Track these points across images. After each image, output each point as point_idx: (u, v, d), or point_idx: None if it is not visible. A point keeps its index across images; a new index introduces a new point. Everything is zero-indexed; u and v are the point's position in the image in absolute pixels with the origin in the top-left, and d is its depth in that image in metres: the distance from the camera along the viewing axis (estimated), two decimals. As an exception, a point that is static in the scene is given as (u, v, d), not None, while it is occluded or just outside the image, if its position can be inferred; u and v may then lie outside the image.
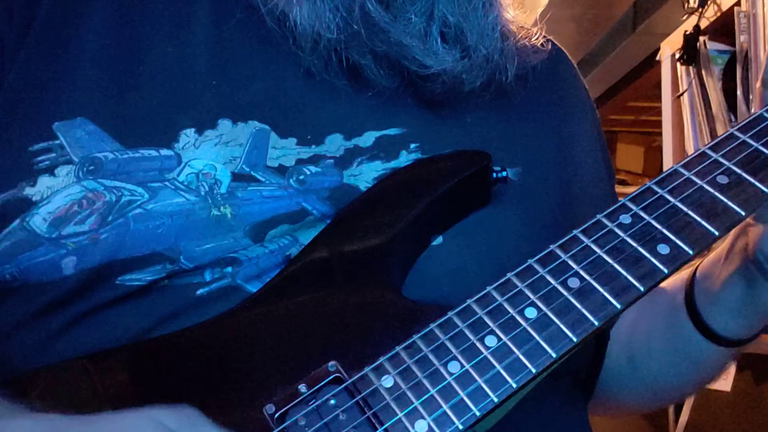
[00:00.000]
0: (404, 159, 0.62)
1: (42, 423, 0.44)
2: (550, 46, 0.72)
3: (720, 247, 0.62)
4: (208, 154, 0.59)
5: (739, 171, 0.52)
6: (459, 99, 0.66)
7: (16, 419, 0.45)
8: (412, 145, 0.63)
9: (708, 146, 0.54)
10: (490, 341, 0.48)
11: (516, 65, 0.67)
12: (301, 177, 0.60)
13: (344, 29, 0.60)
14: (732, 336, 0.63)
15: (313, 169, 0.60)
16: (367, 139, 0.63)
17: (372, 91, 0.63)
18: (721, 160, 0.53)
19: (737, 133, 0.54)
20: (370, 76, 0.63)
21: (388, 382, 0.47)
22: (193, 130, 0.59)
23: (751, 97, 1.67)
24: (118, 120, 0.59)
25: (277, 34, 0.62)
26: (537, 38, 0.71)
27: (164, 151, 0.58)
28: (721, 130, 1.76)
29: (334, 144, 0.62)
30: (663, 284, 0.67)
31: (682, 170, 0.53)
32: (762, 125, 0.54)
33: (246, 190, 0.58)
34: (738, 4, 1.72)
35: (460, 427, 0.45)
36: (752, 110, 0.57)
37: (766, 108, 0.55)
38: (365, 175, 0.61)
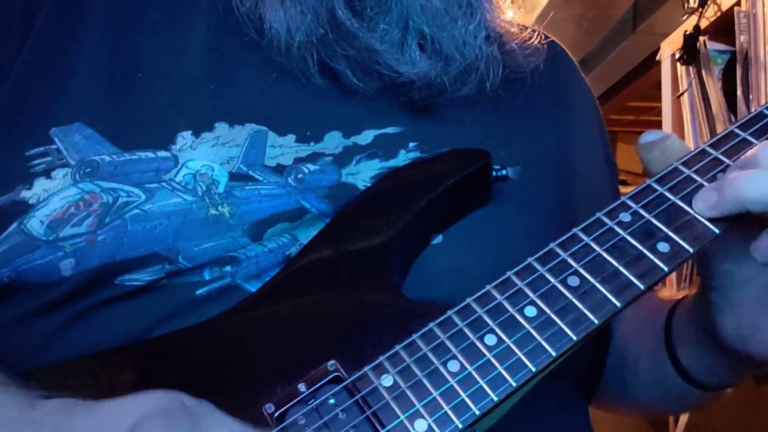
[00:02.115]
0: (403, 158, 0.62)
1: (64, 400, 0.44)
2: (546, 47, 0.71)
3: (693, 295, 0.63)
4: (205, 155, 0.59)
5: None
6: (455, 100, 0.66)
7: (35, 399, 0.45)
8: (411, 144, 0.63)
9: (708, 144, 0.54)
10: (490, 340, 0.48)
11: (510, 68, 0.68)
12: (300, 175, 0.60)
13: (314, 33, 0.60)
14: (703, 379, 0.63)
15: (311, 167, 0.60)
16: (366, 137, 0.63)
17: (357, 95, 0.63)
18: (721, 157, 0.53)
19: (737, 131, 0.54)
20: (346, 80, 0.63)
21: (387, 381, 0.47)
22: (189, 132, 0.59)
23: (751, 97, 1.66)
24: (115, 124, 0.59)
25: (256, 37, 0.63)
26: (535, 39, 0.71)
27: (161, 153, 0.58)
28: (721, 130, 1.75)
29: (333, 141, 0.62)
30: (650, 311, 0.67)
31: (682, 168, 0.53)
32: (762, 122, 0.54)
33: (244, 190, 0.58)
34: (738, 4, 1.72)
35: (460, 426, 0.45)
36: (752, 111, 0.57)
37: (766, 105, 0.55)
38: (363, 173, 0.61)
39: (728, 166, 0.52)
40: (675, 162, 0.54)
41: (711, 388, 0.64)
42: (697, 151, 0.54)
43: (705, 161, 0.53)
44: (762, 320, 0.53)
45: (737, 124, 0.54)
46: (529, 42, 0.70)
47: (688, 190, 0.52)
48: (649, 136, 0.55)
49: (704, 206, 0.50)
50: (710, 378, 0.63)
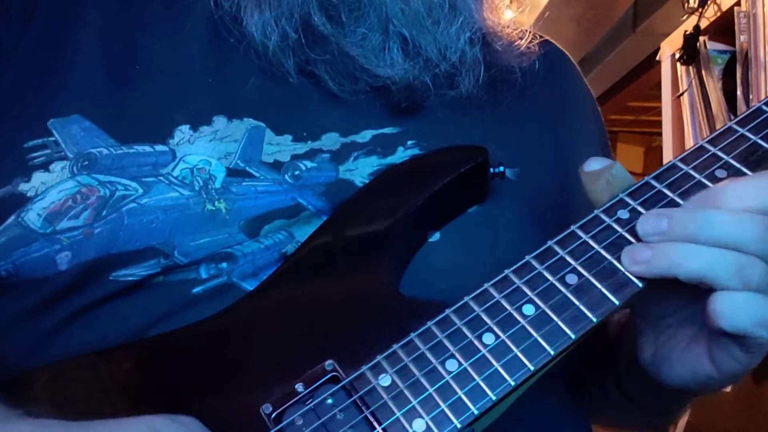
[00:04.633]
0: (401, 155, 0.62)
1: (40, 429, 0.44)
2: (542, 48, 0.71)
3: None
4: (202, 149, 0.58)
5: (737, 165, 0.51)
6: (451, 102, 0.65)
7: (14, 424, 0.45)
8: (410, 142, 0.63)
9: (706, 140, 0.54)
10: (488, 339, 0.47)
11: (504, 68, 0.67)
12: (297, 172, 0.60)
13: (289, 36, 0.60)
14: (638, 399, 0.64)
15: (308, 164, 0.60)
16: (364, 136, 0.63)
17: (353, 97, 0.63)
18: (720, 153, 0.53)
19: (736, 127, 0.54)
20: (324, 84, 0.62)
21: (385, 380, 0.47)
22: (188, 126, 0.59)
23: (751, 96, 1.66)
24: (113, 117, 0.59)
25: (234, 40, 0.63)
26: (527, 39, 0.70)
27: (159, 147, 0.58)
28: (721, 131, 1.75)
29: (331, 140, 0.62)
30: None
31: (680, 164, 0.53)
32: (760, 118, 0.53)
33: (241, 186, 0.58)
34: (738, 4, 1.72)
35: (458, 425, 0.45)
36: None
37: (764, 101, 0.54)
38: (361, 170, 0.61)
39: (726, 162, 0.52)
40: (673, 159, 0.53)
41: (651, 412, 0.65)
42: (695, 147, 0.54)
43: (703, 158, 0.53)
44: (674, 350, 0.53)
45: (736, 120, 0.54)
46: (522, 41, 0.70)
47: (686, 186, 0.51)
48: (593, 165, 0.54)
49: (630, 261, 0.48)
50: (644, 401, 0.63)
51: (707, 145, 0.53)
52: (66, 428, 0.44)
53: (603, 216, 0.52)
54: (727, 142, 0.53)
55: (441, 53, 0.63)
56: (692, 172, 0.52)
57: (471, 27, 0.65)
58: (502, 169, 0.62)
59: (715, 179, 0.51)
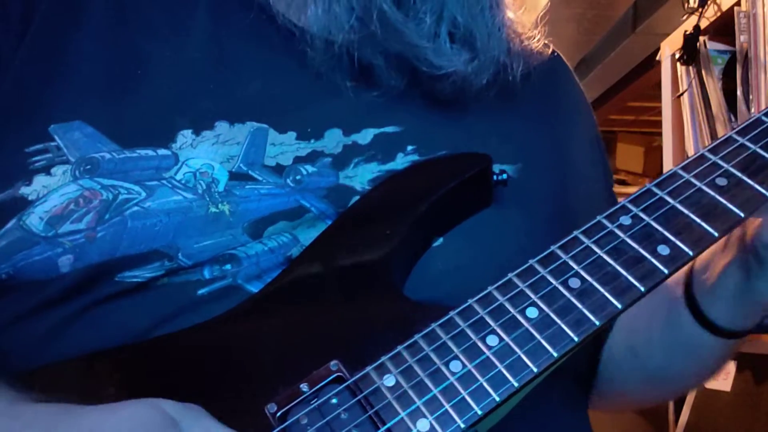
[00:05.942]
0: (401, 161, 0.63)
1: (48, 408, 0.45)
2: (550, 49, 0.72)
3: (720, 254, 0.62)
4: (205, 153, 0.59)
5: (737, 173, 0.52)
6: (458, 98, 0.66)
7: (21, 405, 0.45)
8: (409, 147, 0.63)
9: (707, 149, 0.54)
10: (492, 341, 0.48)
11: (511, 67, 0.68)
12: (298, 177, 0.60)
13: (359, 29, 0.60)
14: (729, 326, 0.62)
15: (309, 168, 0.60)
16: (365, 136, 0.63)
17: (377, 92, 0.64)
18: (720, 162, 0.53)
19: (736, 136, 0.55)
20: (380, 76, 0.63)
21: (389, 381, 0.47)
22: (190, 131, 0.59)
23: (751, 97, 1.67)
24: (115, 122, 0.59)
25: (285, 34, 0.63)
26: (538, 40, 0.71)
27: (161, 151, 0.58)
28: (721, 131, 1.75)
29: (333, 139, 0.62)
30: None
31: (682, 172, 0.54)
32: (760, 128, 0.54)
33: (244, 189, 0.58)
34: (738, 4, 1.72)
35: (462, 426, 0.45)
36: (752, 111, 0.57)
37: (764, 111, 0.55)
38: (361, 176, 0.61)
39: (727, 170, 0.53)
40: (675, 167, 0.54)
41: (730, 334, 0.63)
42: (696, 156, 0.54)
43: (704, 166, 0.53)
44: None
45: (736, 130, 0.55)
46: (529, 43, 0.70)
47: (688, 194, 0.52)
48: None
49: None
50: (731, 318, 0.62)
51: (708, 154, 0.54)
52: (72, 408, 0.44)
53: (605, 222, 0.52)
54: (728, 151, 0.54)
55: (484, 42, 0.64)
56: (693, 180, 0.53)
57: (506, 23, 0.66)
58: (504, 176, 0.62)
59: (715, 187, 0.52)
